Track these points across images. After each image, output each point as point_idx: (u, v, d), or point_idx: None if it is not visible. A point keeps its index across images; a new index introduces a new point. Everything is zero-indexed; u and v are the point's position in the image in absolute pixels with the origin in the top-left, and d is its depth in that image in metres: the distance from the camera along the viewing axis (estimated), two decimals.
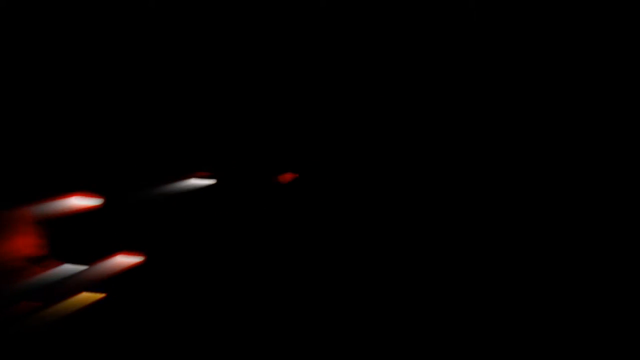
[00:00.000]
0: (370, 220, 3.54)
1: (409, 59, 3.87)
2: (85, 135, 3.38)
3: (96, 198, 3.16)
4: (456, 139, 3.71)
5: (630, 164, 3.33)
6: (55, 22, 3.27)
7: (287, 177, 3.78)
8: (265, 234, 3.48)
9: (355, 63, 3.90)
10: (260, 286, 3.15)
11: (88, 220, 3.17)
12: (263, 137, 3.77)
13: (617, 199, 3.30)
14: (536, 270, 3.14)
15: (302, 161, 3.77)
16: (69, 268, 3.05)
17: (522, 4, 3.61)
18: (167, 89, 3.63)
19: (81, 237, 3.17)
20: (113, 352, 2.72)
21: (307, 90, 3.86)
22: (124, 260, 3.23)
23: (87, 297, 3.02)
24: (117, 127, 3.47)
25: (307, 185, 3.72)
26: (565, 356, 2.62)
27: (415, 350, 2.69)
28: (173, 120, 3.64)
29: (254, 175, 3.71)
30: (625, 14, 3.36)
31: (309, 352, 2.67)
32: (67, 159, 3.29)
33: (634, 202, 3.25)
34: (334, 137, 3.84)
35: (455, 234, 3.40)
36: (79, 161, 3.32)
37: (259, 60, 3.80)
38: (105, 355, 2.71)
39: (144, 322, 2.93)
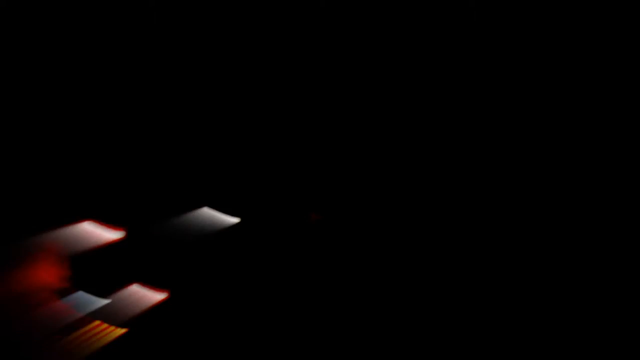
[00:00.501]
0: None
1: (408, 58, 3.87)
2: (109, 165, 3.33)
3: (118, 229, 3.15)
4: (456, 139, 3.70)
5: (629, 164, 3.33)
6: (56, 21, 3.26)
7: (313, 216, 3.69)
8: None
9: (355, 62, 3.90)
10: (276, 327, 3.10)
11: (110, 253, 3.15)
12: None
13: (617, 199, 3.30)
14: (537, 271, 3.14)
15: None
16: (90, 300, 3.04)
17: (522, 3, 3.60)
18: (188, 116, 3.54)
19: (103, 269, 3.14)
20: None
21: (308, 94, 3.85)
22: (146, 295, 3.20)
23: (109, 331, 3.01)
24: (141, 156, 3.40)
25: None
26: (565, 356, 2.62)
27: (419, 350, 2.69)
28: (196, 147, 3.54)
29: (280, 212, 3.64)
30: (625, 14, 3.36)
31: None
32: (91, 187, 3.25)
33: (633, 202, 3.25)
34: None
35: (460, 236, 3.40)
36: (104, 190, 3.28)
37: (261, 62, 3.79)
38: None
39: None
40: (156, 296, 3.17)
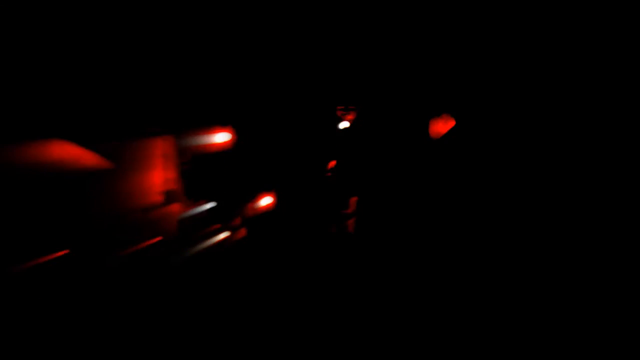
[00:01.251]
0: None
1: (409, 58, 3.87)
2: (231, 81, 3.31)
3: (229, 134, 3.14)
4: (456, 139, 3.71)
5: (630, 164, 3.33)
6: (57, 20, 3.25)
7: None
8: None
9: (356, 63, 3.91)
10: None
11: (221, 159, 3.15)
12: None
13: (617, 199, 3.30)
14: (538, 272, 3.15)
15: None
16: (199, 205, 3.05)
17: (522, 4, 3.61)
18: None
19: (213, 175, 3.14)
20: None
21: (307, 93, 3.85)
22: (256, 200, 3.29)
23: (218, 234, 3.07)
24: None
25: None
26: (565, 356, 2.62)
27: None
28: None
29: None
30: (625, 14, 3.36)
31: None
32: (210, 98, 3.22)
33: (633, 203, 3.25)
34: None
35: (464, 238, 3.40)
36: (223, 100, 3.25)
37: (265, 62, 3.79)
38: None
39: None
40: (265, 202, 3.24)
